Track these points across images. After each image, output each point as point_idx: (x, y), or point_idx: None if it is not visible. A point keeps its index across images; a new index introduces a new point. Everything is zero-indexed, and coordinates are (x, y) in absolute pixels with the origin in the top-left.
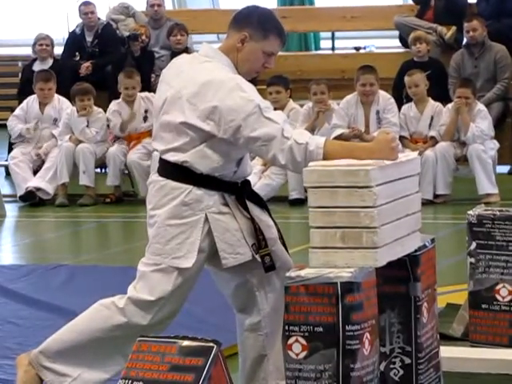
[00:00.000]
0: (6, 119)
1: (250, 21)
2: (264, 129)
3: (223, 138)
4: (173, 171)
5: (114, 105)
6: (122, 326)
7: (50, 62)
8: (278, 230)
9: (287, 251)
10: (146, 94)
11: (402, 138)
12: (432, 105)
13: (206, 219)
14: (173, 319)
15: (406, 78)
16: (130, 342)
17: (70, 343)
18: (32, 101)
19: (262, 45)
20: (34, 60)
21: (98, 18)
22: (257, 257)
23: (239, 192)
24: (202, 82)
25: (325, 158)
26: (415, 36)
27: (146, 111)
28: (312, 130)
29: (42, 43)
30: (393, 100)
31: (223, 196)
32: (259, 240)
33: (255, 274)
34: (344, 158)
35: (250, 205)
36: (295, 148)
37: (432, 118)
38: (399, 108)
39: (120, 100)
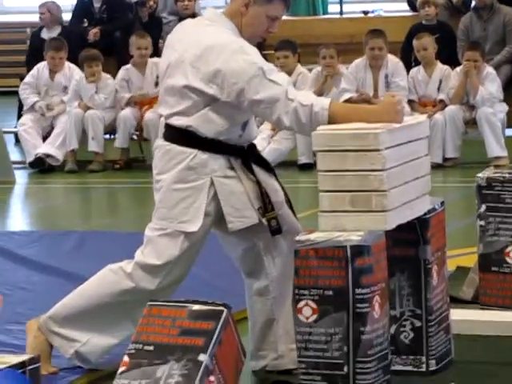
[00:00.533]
0: (15, 86)
1: None
2: (268, 91)
3: (227, 101)
4: (177, 135)
5: (122, 72)
6: (130, 291)
7: (58, 29)
8: (286, 194)
9: (295, 215)
10: (157, 59)
11: (410, 101)
12: (440, 68)
13: (212, 183)
14: (180, 283)
15: (415, 42)
16: (138, 306)
17: (78, 308)
18: (42, 68)
19: (266, 9)
20: (42, 27)
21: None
22: (263, 220)
23: (245, 156)
24: (204, 45)
25: (330, 120)
26: None
27: (157, 76)
28: (320, 94)
29: (39, 12)
30: (401, 64)
31: (229, 160)
32: (265, 203)
33: (262, 238)
34: (349, 120)
35: (256, 168)
36: (300, 109)
37: (440, 82)
38: (408, 72)
39: (129, 65)
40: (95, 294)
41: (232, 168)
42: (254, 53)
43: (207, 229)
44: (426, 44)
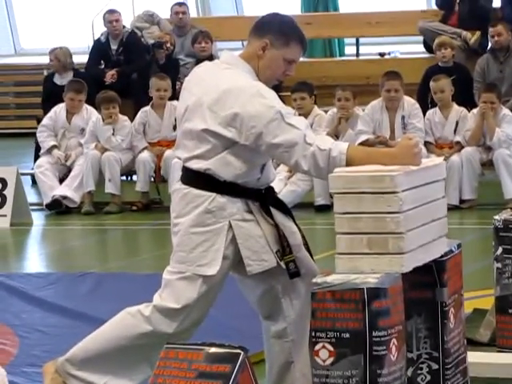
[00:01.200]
0: (32, 128)
1: (271, 28)
2: (286, 135)
3: (245, 144)
4: (196, 179)
5: (141, 115)
6: (148, 335)
7: (70, 74)
8: (303, 236)
9: (312, 257)
10: (176, 102)
11: (427, 143)
12: (457, 110)
13: (230, 226)
14: (198, 326)
15: (432, 84)
16: (156, 350)
17: (95, 351)
18: (60, 110)
19: (284, 52)
20: (55, 72)
21: (123, 26)
22: (281, 263)
23: (263, 199)
24: (222, 88)
25: (348, 164)
26: (440, 41)
27: (175, 119)
28: (336, 135)
29: (51, 58)
30: (418, 105)
31: (247, 203)
32: (283, 246)
33: (280, 281)
34: (367, 164)
35: (273, 211)
36: (318, 154)
37: (457, 123)
38: (424, 113)
39: (148, 108)
40: (113, 337)
41: (250, 211)
42: (271, 96)
43: (225, 272)
44: (443, 86)
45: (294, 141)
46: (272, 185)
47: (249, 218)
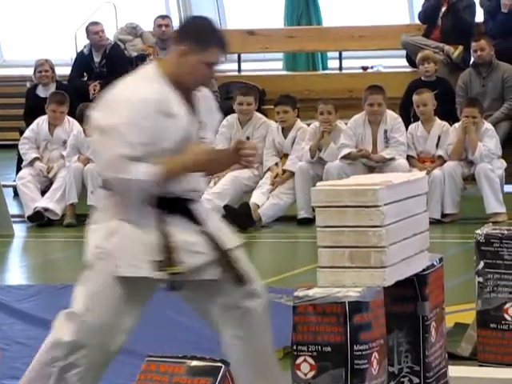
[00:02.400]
0: (15, 139)
1: (188, 33)
2: (104, 146)
3: None
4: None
5: None
6: (52, 348)
7: (53, 86)
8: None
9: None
10: None
11: (409, 157)
12: (439, 124)
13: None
14: (109, 338)
15: (415, 97)
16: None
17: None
18: (42, 122)
19: (203, 56)
20: (37, 84)
21: (106, 39)
22: (155, 274)
23: (168, 207)
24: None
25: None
26: (423, 56)
27: None
28: (318, 149)
29: (41, 69)
30: (400, 119)
31: (144, 207)
32: (169, 258)
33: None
34: (180, 172)
35: (173, 222)
36: (125, 182)
37: (439, 138)
38: (406, 127)
39: None
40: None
41: (145, 216)
42: (131, 110)
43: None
44: (426, 100)
45: (106, 156)
46: (254, 198)
47: (138, 222)
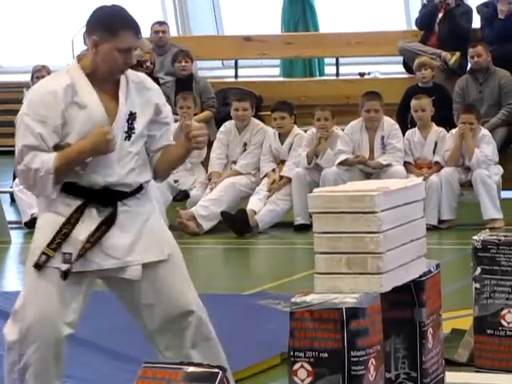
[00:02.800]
0: (11, 146)
1: (95, 23)
2: (16, 140)
3: None
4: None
5: None
6: (7, 350)
7: None
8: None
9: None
10: None
11: (406, 163)
12: (436, 130)
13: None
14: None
15: (413, 102)
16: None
17: None
18: None
19: (114, 43)
20: None
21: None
22: (62, 265)
23: (89, 197)
24: None
25: (58, 175)
26: (420, 62)
27: None
28: (315, 155)
29: (39, 75)
30: (397, 126)
31: (67, 198)
32: (53, 239)
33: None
34: (68, 164)
35: (94, 213)
36: (26, 172)
37: (436, 144)
38: (403, 133)
39: None
40: None
41: (67, 207)
42: (36, 101)
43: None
44: (425, 105)
45: (16, 147)
46: (251, 204)
47: (60, 213)
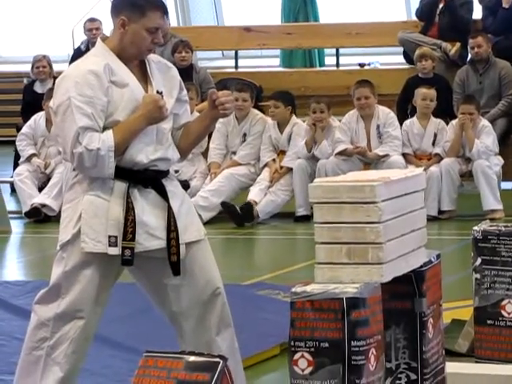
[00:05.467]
0: (11, 136)
1: (123, 3)
2: (63, 124)
3: None
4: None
5: None
6: (37, 327)
7: (51, 82)
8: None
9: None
10: None
11: (405, 154)
12: (434, 122)
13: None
14: (87, 321)
15: (423, 91)
16: (53, 348)
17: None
18: (39, 119)
19: (143, 23)
20: (35, 80)
21: (103, 35)
22: (110, 249)
23: (132, 179)
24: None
25: (119, 149)
26: (421, 53)
27: None
28: (314, 142)
29: (39, 65)
30: (393, 114)
31: (109, 181)
32: (126, 232)
33: (164, 275)
34: (131, 134)
35: (139, 196)
36: (85, 154)
37: (435, 136)
38: (401, 123)
39: None
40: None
41: (109, 190)
42: (83, 82)
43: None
44: (433, 96)
45: (67, 133)
46: (252, 194)
47: (103, 197)
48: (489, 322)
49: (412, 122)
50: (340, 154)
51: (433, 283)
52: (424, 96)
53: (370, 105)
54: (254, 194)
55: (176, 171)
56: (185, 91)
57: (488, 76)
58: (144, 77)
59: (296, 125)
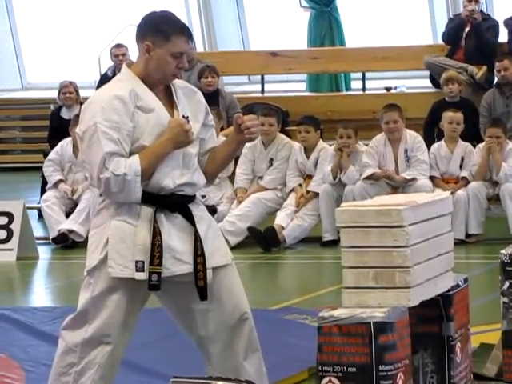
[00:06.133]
0: (39, 162)
1: (148, 28)
2: (90, 149)
3: None
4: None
5: None
6: (64, 353)
7: (77, 108)
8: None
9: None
10: None
11: (432, 177)
12: (462, 145)
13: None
14: (114, 345)
15: (449, 114)
16: (80, 374)
17: None
18: (66, 145)
19: (168, 48)
20: (61, 106)
21: (130, 61)
22: (137, 274)
23: (160, 204)
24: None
25: (145, 174)
26: (447, 76)
27: None
28: (340, 169)
29: (66, 91)
30: (420, 138)
31: (136, 207)
32: (153, 257)
33: (191, 300)
34: (156, 161)
35: (165, 220)
36: (112, 180)
37: (462, 159)
38: (430, 148)
39: None
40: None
41: (135, 215)
42: (110, 108)
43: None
44: (460, 119)
45: (93, 158)
46: (279, 219)
47: (130, 222)
48: None
49: (439, 146)
50: (368, 178)
51: (460, 307)
52: (451, 119)
53: (399, 129)
54: (280, 219)
55: (203, 196)
56: (210, 116)
57: None
58: (170, 102)
59: (323, 149)
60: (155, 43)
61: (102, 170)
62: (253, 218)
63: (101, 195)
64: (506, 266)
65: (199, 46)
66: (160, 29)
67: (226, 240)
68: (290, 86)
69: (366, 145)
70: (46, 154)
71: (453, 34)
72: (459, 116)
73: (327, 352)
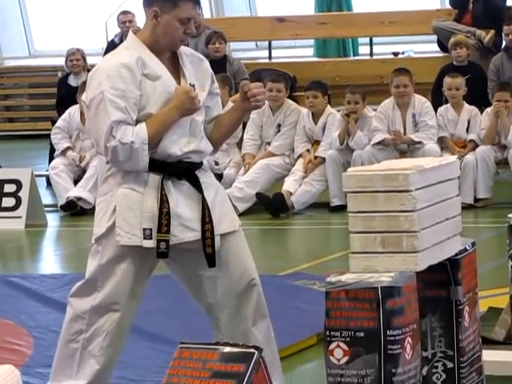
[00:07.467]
0: (47, 129)
1: None
2: (97, 118)
3: None
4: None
5: None
6: (73, 319)
7: (85, 75)
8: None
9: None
10: None
11: (442, 138)
12: (467, 109)
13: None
14: (122, 313)
15: (448, 80)
16: (89, 340)
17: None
18: (74, 112)
19: (175, 14)
20: (69, 74)
21: (137, 27)
22: (145, 242)
23: (166, 171)
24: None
25: (152, 142)
26: (455, 41)
27: None
28: (348, 134)
29: (73, 58)
30: (429, 103)
31: (143, 174)
32: (160, 224)
33: (200, 267)
34: (164, 127)
35: (171, 187)
36: (119, 148)
37: (469, 122)
38: (436, 111)
39: None
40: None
41: (143, 182)
42: (115, 75)
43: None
44: (460, 84)
45: (100, 127)
46: (287, 185)
47: (137, 190)
48: None
49: (446, 109)
50: (378, 144)
51: (468, 271)
52: (449, 86)
53: (409, 93)
54: (288, 185)
55: (216, 163)
56: (216, 84)
57: None
58: (176, 69)
59: (330, 115)
60: (163, 9)
61: (109, 139)
62: (261, 184)
63: (108, 163)
64: None
65: (206, 12)
66: None
67: (234, 206)
68: (298, 51)
69: (374, 110)
70: (53, 122)
71: None
72: (458, 81)
73: (335, 317)
